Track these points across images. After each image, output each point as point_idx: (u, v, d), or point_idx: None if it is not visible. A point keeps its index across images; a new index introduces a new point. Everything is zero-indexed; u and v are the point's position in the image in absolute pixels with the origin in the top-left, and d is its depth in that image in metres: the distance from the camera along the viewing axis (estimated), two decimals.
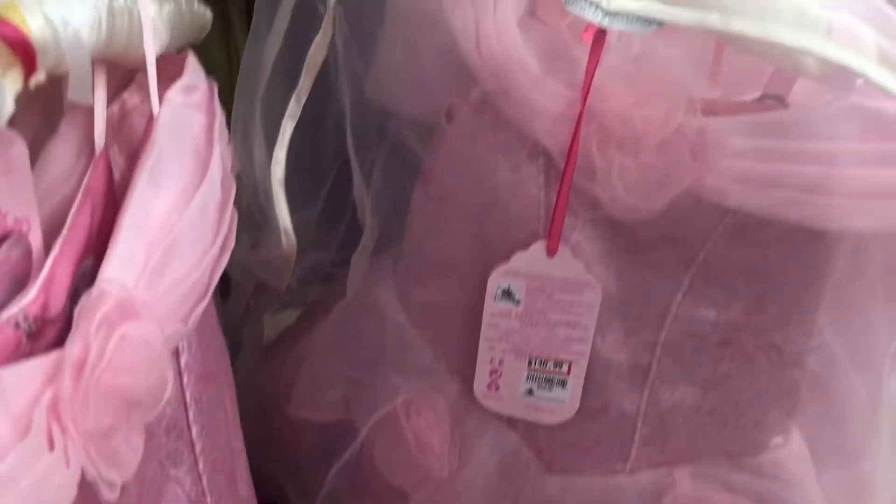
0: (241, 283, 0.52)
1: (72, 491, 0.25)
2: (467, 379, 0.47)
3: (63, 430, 0.24)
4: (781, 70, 0.40)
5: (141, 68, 0.35)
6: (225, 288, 0.54)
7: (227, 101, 0.46)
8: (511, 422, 0.48)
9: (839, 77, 0.36)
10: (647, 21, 0.35)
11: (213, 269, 0.33)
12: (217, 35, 0.73)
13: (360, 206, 0.47)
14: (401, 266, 0.49)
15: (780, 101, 0.40)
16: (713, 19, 0.35)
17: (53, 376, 0.25)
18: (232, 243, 0.35)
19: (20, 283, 0.29)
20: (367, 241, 0.48)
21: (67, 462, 0.25)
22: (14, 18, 0.25)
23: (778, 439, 0.47)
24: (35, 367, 0.25)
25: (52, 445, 0.24)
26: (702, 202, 0.39)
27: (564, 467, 0.48)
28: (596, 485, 0.47)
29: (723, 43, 0.44)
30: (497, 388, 0.47)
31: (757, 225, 0.39)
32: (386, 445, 0.49)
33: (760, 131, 0.37)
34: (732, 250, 0.41)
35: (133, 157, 0.36)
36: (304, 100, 0.44)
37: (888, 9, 0.36)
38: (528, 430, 0.48)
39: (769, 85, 0.41)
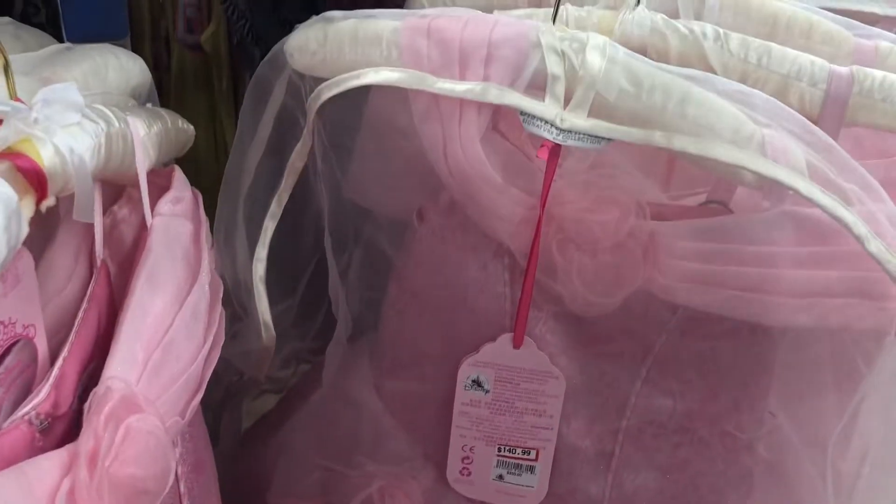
0: (221, 373, 0.54)
1: None
2: (441, 465, 0.49)
3: None
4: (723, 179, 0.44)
5: (131, 183, 0.38)
6: None
7: (213, 186, 0.49)
8: None
9: (774, 187, 0.40)
10: (597, 139, 0.39)
11: (206, 365, 0.36)
12: (204, 123, 0.77)
13: (334, 301, 0.50)
14: (376, 356, 0.51)
15: (723, 205, 0.44)
16: (657, 137, 0.38)
17: (69, 468, 0.27)
18: (222, 340, 0.38)
19: (28, 384, 0.31)
20: (340, 333, 0.50)
21: None
22: (28, 151, 0.28)
23: None
24: (53, 460, 0.27)
25: None
26: (654, 298, 0.42)
27: None
28: None
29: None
30: (469, 473, 0.49)
31: (705, 320, 0.42)
32: None
33: (705, 235, 0.41)
34: (684, 343, 0.44)
35: (123, 264, 0.39)
36: (284, 201, 0.46)
37: (813, 127, 0.40)
38: None
39: (713, 191, 0.44)
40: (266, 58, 0.46)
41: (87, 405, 0.29)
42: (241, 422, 0.63)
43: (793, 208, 0.39)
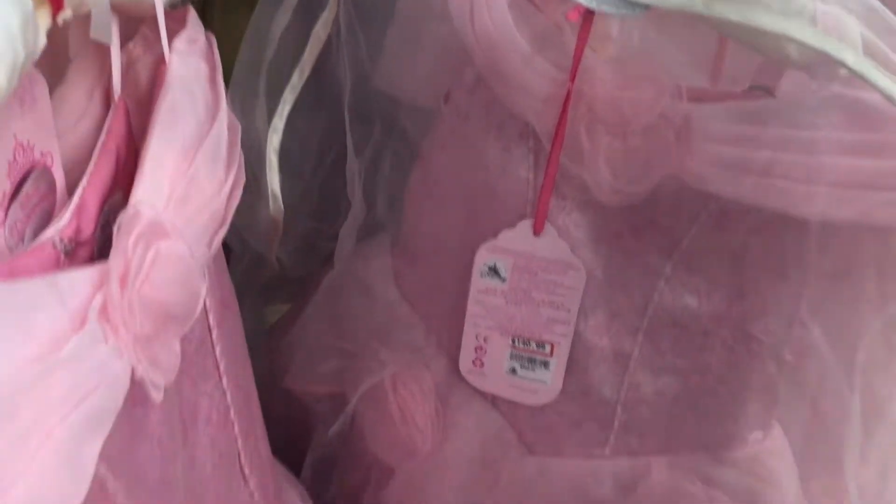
0: (238, 253, 0.54)
1: (126, 382, 0.26)
2: (454, 356, 0.48)
3: (114, 331, 0.26)
4: (768, 61, 0.40)
5: (145, 21, 0.37)
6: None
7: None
8: (494, 401, 0.48)
9: (822, 66, 0.36)
10: (633, 4, 0.36)
11: (230, 199, 0.35)
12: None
13: (350, 182, 0.48)
14: (396, 242, 0.50)
15: (767, 91, 0.41)
16: (697, 4, 0.35)
17: (101, 284, 0.26)
18: (242, 179, 0.37)
19: (48, 214, 0.31)
20: (355, 215, 0.49)
21: (121, 355, 0.26)
22: None
23: (757, 434, 0.47)
24: (85, 274, 0.26)
25: (106, 340, 0.26)
26: (685, 189, 0.40)
27: (545, 449, 0.48)
28: (573, 468, 0.47)
29: (723, 39, 0.45)
30: (482, 364, 0.47)
31: (738, 213, 0.40)
32: (373, 417, 0.50)
33: (743, 118, 0.38)
34: (714, 239, 0.41)
35: (139, 104, 0.38)
36: (306, 73, 0.45)
37: (878, 5, 0.36)
38: (510, 409, 0.48)
39: (757, 76, 0.41)
40: None
41: (115, 227, 0.28)
42: (262, 313, 0.63)
43: (842, 90, 0.36)
